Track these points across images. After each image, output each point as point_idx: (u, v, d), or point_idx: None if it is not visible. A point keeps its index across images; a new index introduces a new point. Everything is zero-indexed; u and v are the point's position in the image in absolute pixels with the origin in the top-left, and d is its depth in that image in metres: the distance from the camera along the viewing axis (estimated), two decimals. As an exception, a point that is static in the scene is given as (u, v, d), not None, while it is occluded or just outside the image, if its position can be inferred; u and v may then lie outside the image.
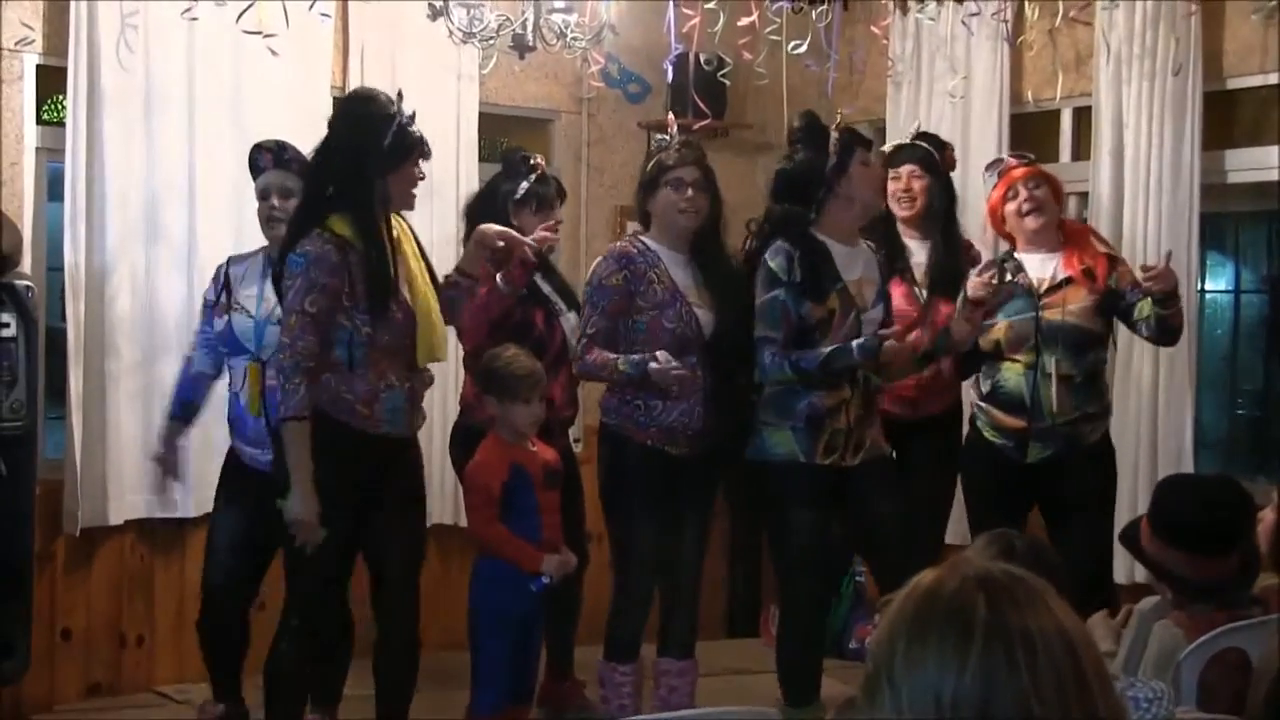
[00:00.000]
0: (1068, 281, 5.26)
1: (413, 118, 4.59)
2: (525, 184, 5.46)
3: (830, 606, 5.33)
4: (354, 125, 4.58)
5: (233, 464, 5.28)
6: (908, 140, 5.82)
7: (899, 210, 5.64)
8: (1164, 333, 5.28)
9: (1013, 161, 5.45)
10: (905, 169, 5.65)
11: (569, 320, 5.40)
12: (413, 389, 4.66)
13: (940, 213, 5.64)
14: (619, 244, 5.17)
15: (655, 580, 5.08)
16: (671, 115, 5.65)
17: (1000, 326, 5.26)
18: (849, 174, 4.97)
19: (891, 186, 5.61)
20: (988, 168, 5.57)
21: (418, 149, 4.59)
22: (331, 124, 4.66)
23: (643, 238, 5.09)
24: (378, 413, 4.54)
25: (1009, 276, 5.28)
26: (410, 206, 4.70)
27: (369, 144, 4.49)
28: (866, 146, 5.07)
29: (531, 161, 5.56)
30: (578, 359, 5.03)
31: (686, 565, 5.14)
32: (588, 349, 4.97)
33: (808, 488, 4.96)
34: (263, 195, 5.16)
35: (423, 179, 4.67)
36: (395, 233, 4.62)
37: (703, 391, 4.97)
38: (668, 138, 5.18)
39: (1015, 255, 5.40)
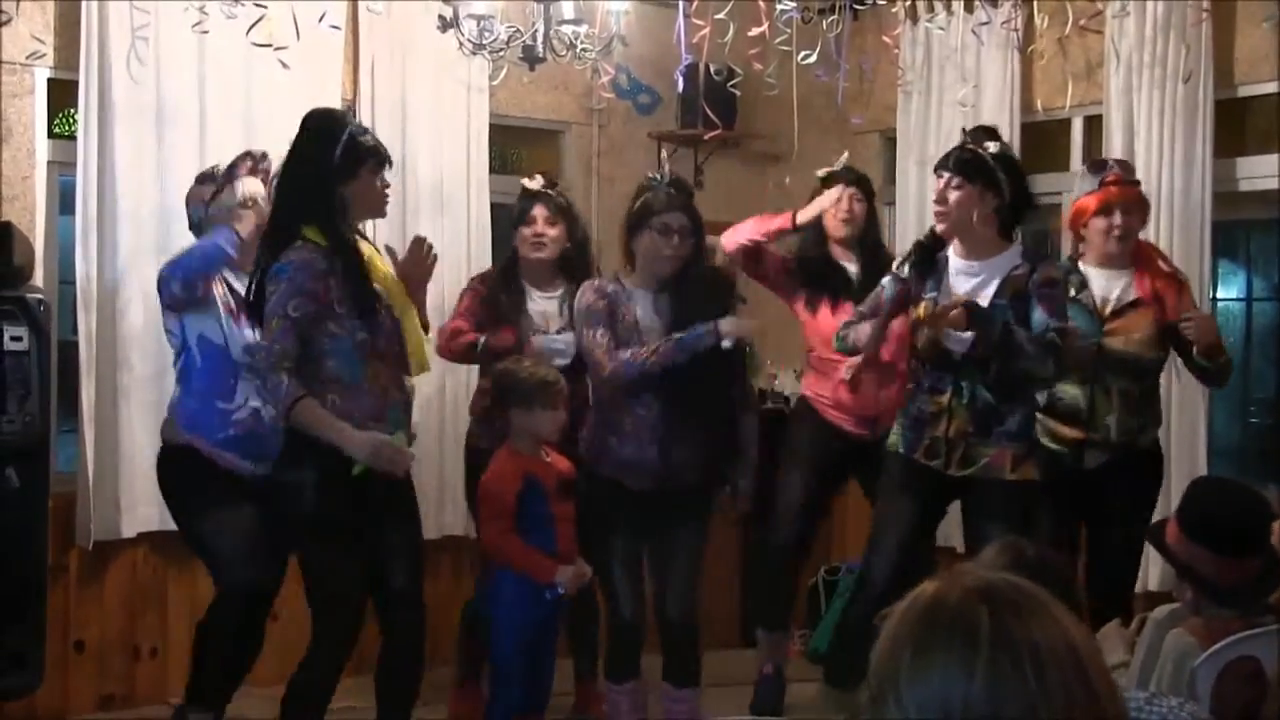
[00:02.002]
0: (1135, 304, 5.24)
1: (364, 129, 4.65)
2: (517, 205, 5.72)
3: (891, 590, 5.32)
4: (310, 140, 4.59)
5: (215, 473, 5.12)
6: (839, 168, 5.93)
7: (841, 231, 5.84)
8: (1208, 380, 5.40)
9: (1116, 174, 5.30)
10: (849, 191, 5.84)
11: (556, 340, 5.54)
12: (407, 401, 4.69)
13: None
14: (593, 280, 5.27)
15: (632, 604, 5.11)
16: (664, 153, 5.70)
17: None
18: None
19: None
20: (1090, 166, 5.42)
21: (370, 157, 4.57)
22: (293, 142, 4.64)
23: (621, 276, 5.17)
24: (384, 430, 4.53)
25: (1073, 291, 5.18)
26: (379, 214, 4.75)
27: (323, 156, 4.52)
28: (937, 170, 5.00)
29: (524, 183, 5.78)
30: (605, 366, 5.00)
31: (676, 598, 5.15)
32: (611, 354, 4.99)
33: (899, 478, 5.10)
34: (248, 203, 5.18)
35: (386, 187, 4.66)
36: (366, 252, 4.64)
37: (657, 431, 5.01)
38: (658, 177, 5.18)
39: (1080, 268, 5.31)
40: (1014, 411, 4.94)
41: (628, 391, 5.00)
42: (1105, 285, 5.28)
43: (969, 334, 4.80)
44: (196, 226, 5.24)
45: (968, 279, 4.95)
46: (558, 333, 5.59)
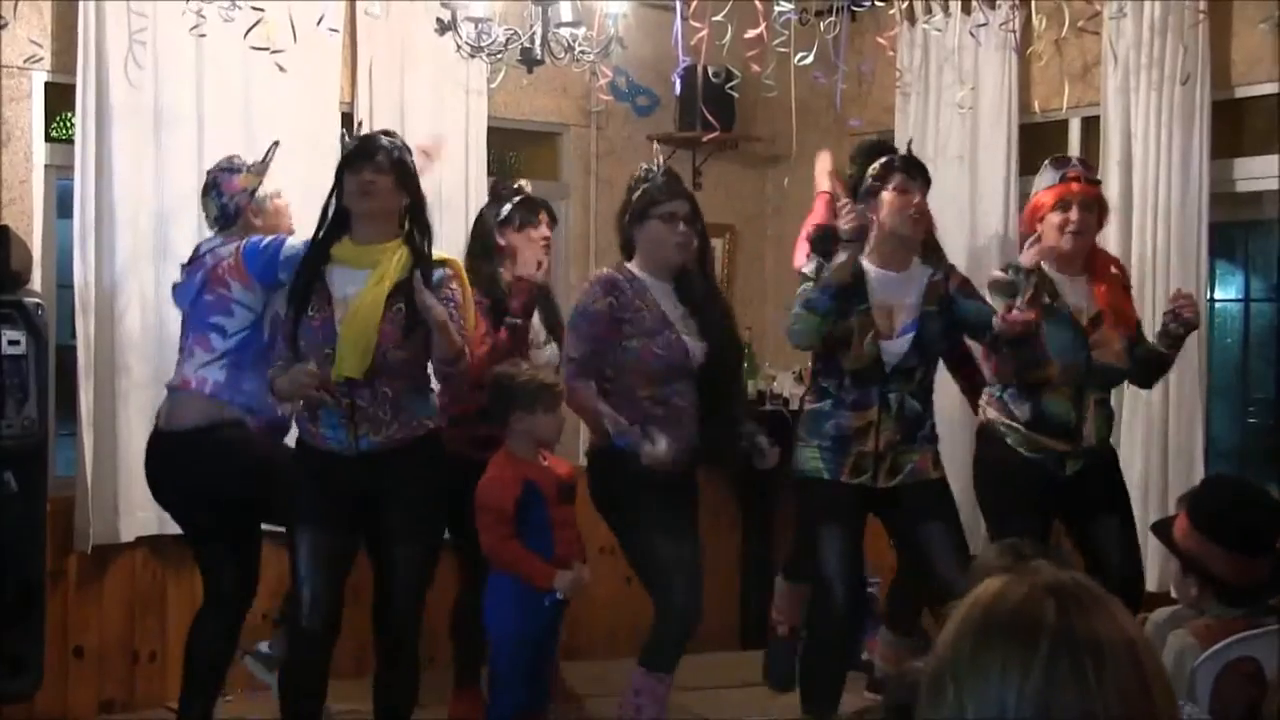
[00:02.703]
0: (1099, 318, 5.19)
1: (356, 138, 4.86)
2: (508, 206, 5.63)
3: (856, 619, 5.32)
4: None
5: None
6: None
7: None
8: (1152, 373, 5.35)
9: (1078, 171, 5.26)
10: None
11: (542, 354, 5.54)
12: (354, 406, 4.70)
13: None
14: (605, 271, 5.17)
15: (694, 586, 4.99)
16: (657, 146, 5.65)
17: (1052, 368, 5.13)
18: (880, 199, 5.05)
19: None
20: (1052, 161, 5.37)
21: (344, 164, 4.78)
22: None
23: (629, 266, 5.12)
24: (320, 428, 4.77)
25: (1045, 299, 5.13)
26: (358, 209, 4.76)
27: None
28: (904, 172, 5.08)
29: (515, 186, 5.75)
30: (564, 385, 5.01)
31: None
32: (575, 375, 4.99)
33: (831, 503, 5.06)
34: None
35: (367, 182, 4.71)
36: (377, 256, 4.75)
37: (693, 419, 5.02)
38: (654, 167, 5.19)
39: (1045, 270, 5.20)
40: (930, 415, 5.15)
41: (658, 379, 4.99)
42: (1071, 293, 5.22)
43: (901, 339, 4.98)
44: (230, 217, 5.22)
45: (893, 287, 5.05)
46: (545, 344, 5.60)
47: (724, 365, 5.12)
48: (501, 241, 5.61)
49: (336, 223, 4.80)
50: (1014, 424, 5.23)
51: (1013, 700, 1.63)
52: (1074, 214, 5.17)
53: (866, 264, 5.05)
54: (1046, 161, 5.37)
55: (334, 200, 4.79)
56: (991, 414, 5.30)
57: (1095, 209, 5.26)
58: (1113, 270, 5.35)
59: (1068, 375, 5.14)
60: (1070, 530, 5.37)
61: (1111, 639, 1.66)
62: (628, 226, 5.14)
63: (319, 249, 4.79)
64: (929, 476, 5.11)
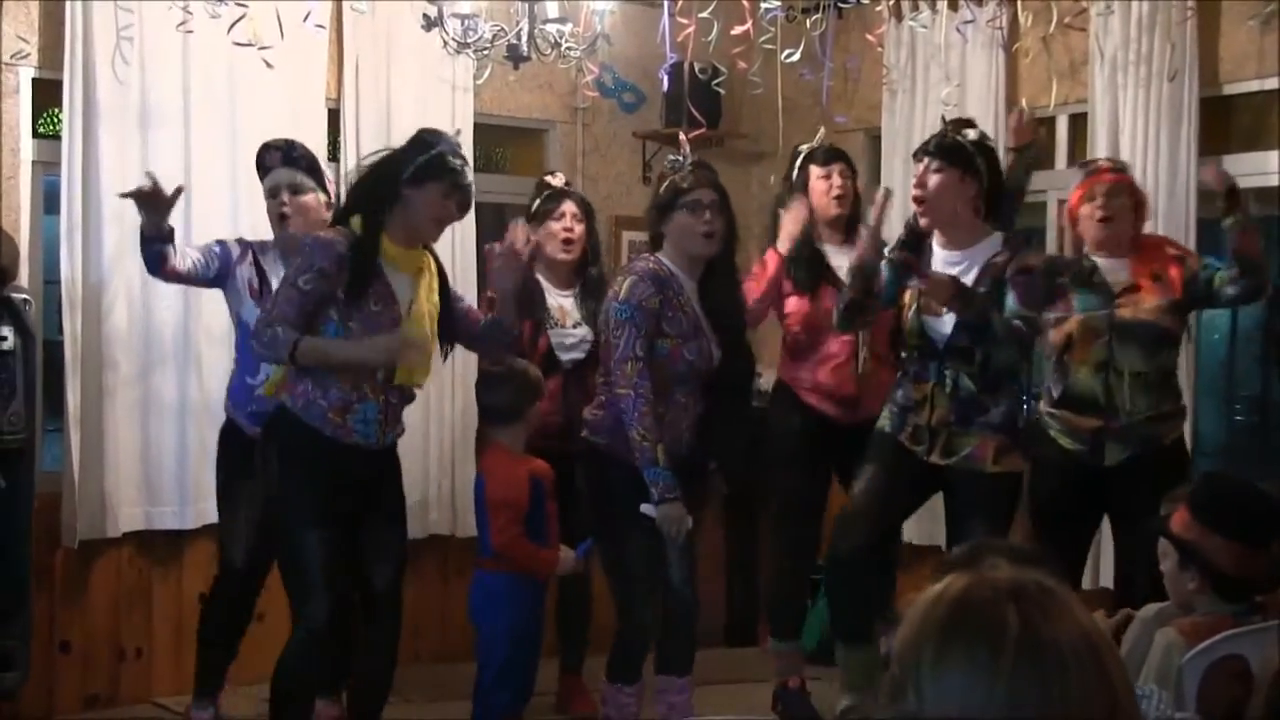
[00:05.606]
0: (1136, 288, 5.20)
1: (461, 158, 4.71)
2: (537, 202, 5.78)
3: (861, 559, 5.26)
4: (407, 145, 4.67)
5: (244, 445, 5.16)
6: None
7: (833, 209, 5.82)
8: (1250, 284, 5.10)
9: (1104, 165, 5.35)
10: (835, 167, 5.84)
11: (574, 334, 5.61)
12: (388, 403, 4.68)
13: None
14: (647, 265, 4.94)
15: (653, 605, 4.99)
16: (684, 136, 5.61)
17: (1072, 321, 5.20)
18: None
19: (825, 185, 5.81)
20: (1080, 165, 5.50)
21: (446, 178, 4.57)
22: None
23: (665, 260, 4.97)
24: (349, 422, 4.60)
25: (1089, 276, 5.22)
26: (429, 232, 4.69)
27: (405, 157, 4.60)
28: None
29: (541, 180, 5.92)
30: (621, 388, 4.80)
31: (687, 583, 5.06)
32: (638, 381, 4.78)
33: (885, 455, 5.16)
34: (272, 193, 5.21)
35: (450, 216, 4.67)
36: (419, 263, 4.70)
37: (692, 418, 4.98)
38: (680, 159, 5.10)
39: (1091, 257, 5.29)
40: (998, 403, 5.01)
41: (676, 381, 4.92)
42: (1111, 272, 5.24)
43: (948, 316, 4.93)
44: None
45: (951, 268, 5.01)
46: (573, 327, 5.62)
47: (733, 373, 5.09)
48: (539, 237, 5.62)
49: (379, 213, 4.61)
50: (1052, 409, 5.28)
51: (978, 701, 1.63)
52: (1099, 202, 5.23)
53: (935, 244, 5.09)
54: (1076, 166, 5.44)
55: (398, 180, 4.58)
56: (1041, 406, 5.39)
57: (1125, 194, 5.28)
58: (1169, 250, 5.32)
59: (1091, 332, 5.16)
60: (1114, 531, 5.40)
61: (1073, 642, 1.65)
62: (655, 220, 5.03)
63: (375, 239, 4.59)
64: (984, 468, 4.98)
